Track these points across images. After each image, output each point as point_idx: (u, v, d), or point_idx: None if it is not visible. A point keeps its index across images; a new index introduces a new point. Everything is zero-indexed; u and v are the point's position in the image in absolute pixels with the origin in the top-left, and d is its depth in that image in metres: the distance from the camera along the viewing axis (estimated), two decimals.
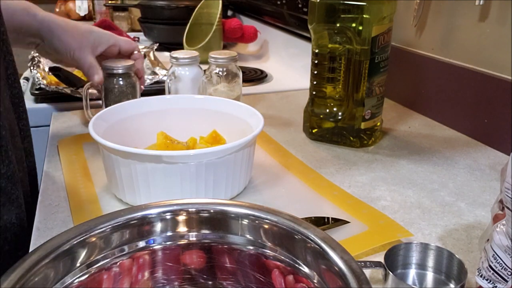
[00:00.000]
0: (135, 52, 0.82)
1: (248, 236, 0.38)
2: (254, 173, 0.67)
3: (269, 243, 0.37)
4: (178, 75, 0.85)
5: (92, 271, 0.36)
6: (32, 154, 0.71)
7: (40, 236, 0.54)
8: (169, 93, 0.87)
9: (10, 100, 0.65)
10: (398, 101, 1.00)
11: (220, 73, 0.83)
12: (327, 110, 0.79)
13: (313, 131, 0.81)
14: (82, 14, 2.03)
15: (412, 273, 0.47)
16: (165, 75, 1.04)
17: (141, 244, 0.38)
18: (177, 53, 0.85)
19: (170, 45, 1.51)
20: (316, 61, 0.77)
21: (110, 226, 0.36)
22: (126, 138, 0.63)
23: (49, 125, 0.87)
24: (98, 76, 0.76)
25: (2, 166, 0.57)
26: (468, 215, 0.59)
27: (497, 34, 0.76)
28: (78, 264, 0.35)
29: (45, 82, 0.95)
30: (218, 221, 0.39)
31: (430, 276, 0.46)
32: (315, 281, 0.34)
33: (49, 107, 0.95)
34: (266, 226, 0.37)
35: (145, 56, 1.24)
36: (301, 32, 1.27)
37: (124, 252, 0.37)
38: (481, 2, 0.76)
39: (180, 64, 0.85)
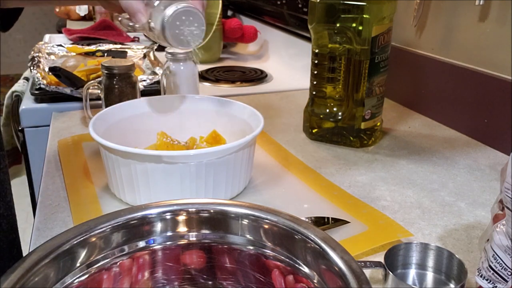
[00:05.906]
0: None
1: (248, 236, 0.38)
2: (254, 173, 0.67)
3: (269, 243, 0.37)
4: (173, 70, 0.86)
5: (92, 271, 0.36)
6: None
7: (40, 236, 0.54)
8: (164, 88, 0.87)
9: None
10: (398, 101, 1.00)
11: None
12: (327, 110, 0.79)
13: (313, 131, 0.81)
14: (82, 14, 2.03)
15: (412, 273, 0.47)
16: None
17: (141, 244, 0.38)
18: (172, 49, 0.86)
19: None
20: (316, 61, 0.77)
21: (110, 226, 0.36)
22: (126, 138, 0.63)
23: (49, 125, 0.87)
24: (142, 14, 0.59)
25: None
26: (468, 215, 0.59)
27: (497, 34, 0.76)
28: (78, 264, 0.35)
29: (45, 82, 0.95)
30: (218, 221, 0.39)
31: (430, 276, 0.46)
32: (315, 281, 0.34)
33: (49, 107, 0.95)
34: (266, 226, 0.37)
35: (145, 56, 1.24)
36: (301, 32, 1.27)
37: (124, 252, 0.37)
38: (481, 2, 0.76)
39: (175, 59, 0.86)
